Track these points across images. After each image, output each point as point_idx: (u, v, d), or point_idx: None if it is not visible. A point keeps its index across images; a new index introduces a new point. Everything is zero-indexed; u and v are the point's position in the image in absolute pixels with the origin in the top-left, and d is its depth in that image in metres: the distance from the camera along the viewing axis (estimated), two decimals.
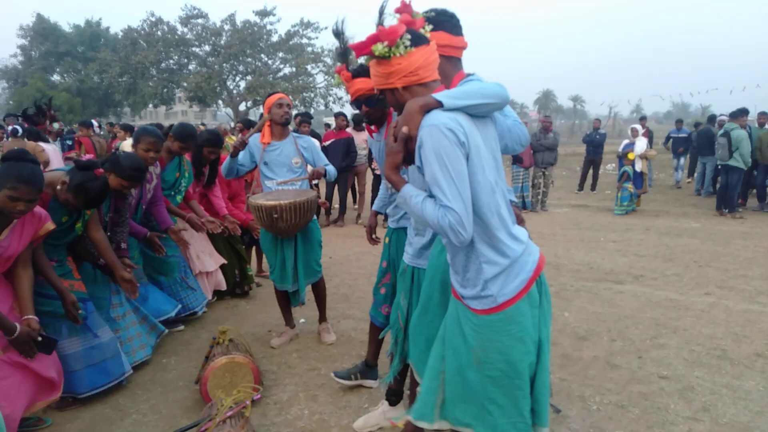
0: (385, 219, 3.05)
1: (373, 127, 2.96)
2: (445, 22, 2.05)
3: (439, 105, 1.67)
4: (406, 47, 1.72)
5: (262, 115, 8.29)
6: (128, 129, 9.32)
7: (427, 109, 1.67)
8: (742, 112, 9.30)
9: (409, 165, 1.78)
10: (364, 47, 1.75)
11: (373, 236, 3.28)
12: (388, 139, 1.73)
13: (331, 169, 3.80)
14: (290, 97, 30.67)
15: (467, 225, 1.60)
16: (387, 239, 3.00)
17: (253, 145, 3.78)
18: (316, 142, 3.97)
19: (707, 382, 3.24)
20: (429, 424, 1.89)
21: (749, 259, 6.18)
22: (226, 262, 4.75)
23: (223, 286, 4.79)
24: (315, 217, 3.84)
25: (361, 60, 1.90)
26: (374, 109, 2.81)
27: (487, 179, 1.70)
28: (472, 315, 1.77)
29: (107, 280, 3.34)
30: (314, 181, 3.84)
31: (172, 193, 4.16)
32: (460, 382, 1.82)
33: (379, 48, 1.71)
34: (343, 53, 2.92)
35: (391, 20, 1.83)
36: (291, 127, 4.10)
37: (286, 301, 3.96)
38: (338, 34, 3.00)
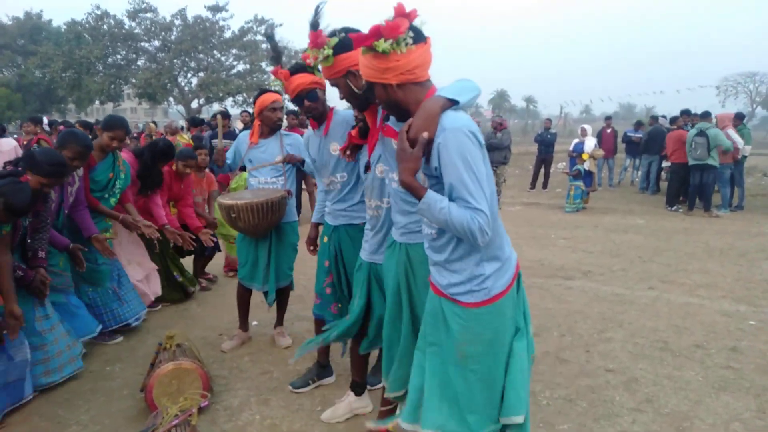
0: None
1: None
2: (348, 44, 2.02)
3: (450, 105, 1.66)
4: (407, 44, 1.67)
5: (218, 113, 8.11)
6: (87, 126, 8.82)
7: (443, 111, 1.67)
8: (706, 114, 9.48)
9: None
10: (364, 40, 1.69)
11: (312, 248, 3.25)
12: (403, 145, 1.66)
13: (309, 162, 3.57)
14: (244, 94, 30.02)
15: (492, 225, 1.64)
16: (326, 238, 2.96)
17: (241, 142, 3.70)
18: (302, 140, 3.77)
19: (650, 374, 3.36)
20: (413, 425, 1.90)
21: (689, 254, 6.47)
22: (158, 268, 4.47)
23: (158, 292, 4.47)
24: (295, 219, 3.71)
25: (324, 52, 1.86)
26: (316, 103, 2.80)
27: (492, 180, 1.73)
28: (460, 309, 1.79)
29: (26, 293, 3.04)
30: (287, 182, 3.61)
31: (106, 195, 3.82)
32: (439, 380, 1.84)
33: (381, 44, 1.65)
34: (276, 56, 2.89)
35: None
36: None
37: (246, 302, 3.86)
38: (269, 36, 3.00)
